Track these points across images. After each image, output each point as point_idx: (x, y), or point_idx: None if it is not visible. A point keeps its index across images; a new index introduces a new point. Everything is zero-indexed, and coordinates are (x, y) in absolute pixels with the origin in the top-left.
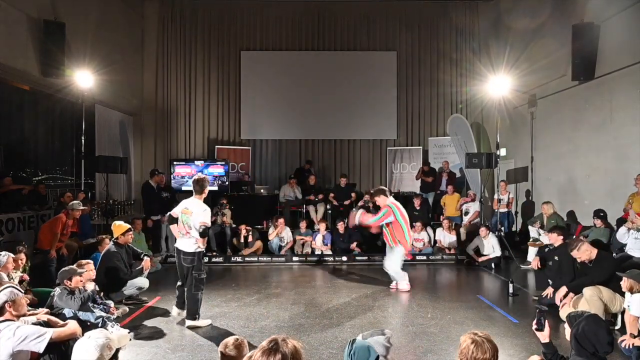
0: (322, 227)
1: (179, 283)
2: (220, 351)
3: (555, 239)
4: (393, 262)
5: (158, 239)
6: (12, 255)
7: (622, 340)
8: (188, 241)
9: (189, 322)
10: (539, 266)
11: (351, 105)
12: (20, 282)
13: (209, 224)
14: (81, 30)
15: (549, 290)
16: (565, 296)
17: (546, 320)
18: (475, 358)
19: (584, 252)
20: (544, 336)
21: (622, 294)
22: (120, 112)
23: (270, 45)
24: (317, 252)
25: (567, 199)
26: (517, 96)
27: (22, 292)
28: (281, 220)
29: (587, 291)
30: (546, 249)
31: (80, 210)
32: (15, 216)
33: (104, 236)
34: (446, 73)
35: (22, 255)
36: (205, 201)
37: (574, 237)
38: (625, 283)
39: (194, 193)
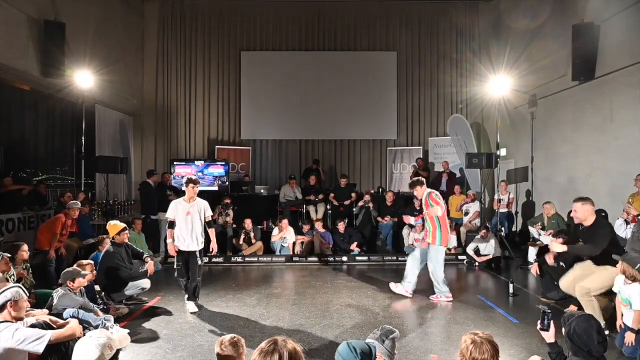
0: (318, 225)
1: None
2: (217, 352)
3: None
4: (439, 265)
5: (158, 239)
6: (7, 255)
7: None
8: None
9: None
10: (539, 272)
11: (351, 105)
12: (19, 279)
13: None
14: (81, 30)
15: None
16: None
17: (551, 321)
18: (473, 358)
19: (578, 213)
20: (549, 336)
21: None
22: (120, 112)
23: (270, 45)
24: (317, 251)
25: (567, 199)
26: (517, 96)
27: (26, 295)
28: (285, 221)
29: (577, 289)
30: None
31: (78, 210)
32: (16, 216)
33: (104, 236)
34: (446, 73)
35: (24, 249)
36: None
37: None
38: (619, 266)
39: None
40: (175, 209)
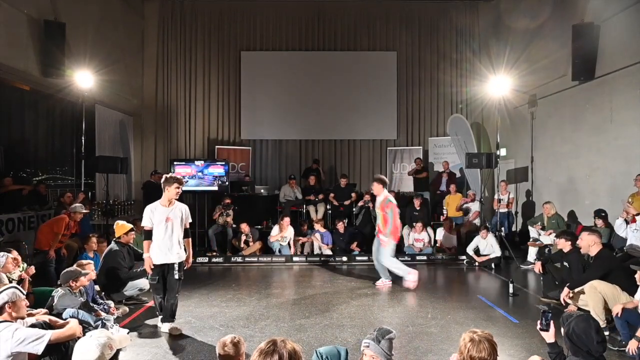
0: (317, 226)
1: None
2: (218, 352)
3: (564, 245)
4: (388, 255)
5: None
6: (11, 255)
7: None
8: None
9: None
10: (541, 270)
11: (351, 105)
12: (20, 281)
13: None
14: (81, 30)
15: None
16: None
17: (551, 321)
18: (471, 356)
19: (583, 242)
20: (549, 336)
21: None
22: (120, 112)
23: (270, 45)
24: (317, 251)
25: (567, 199)
26: (517, 96)
27: (24, 294)
28: (287, 219)
29: (587, 284)
30: (546, 249)
31: (82, 214)
32: (15, 216)
33: (90, 235)
34: (446, 73)
35: (15, 253)
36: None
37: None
38: (637, 275)
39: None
40: (152, 216)
